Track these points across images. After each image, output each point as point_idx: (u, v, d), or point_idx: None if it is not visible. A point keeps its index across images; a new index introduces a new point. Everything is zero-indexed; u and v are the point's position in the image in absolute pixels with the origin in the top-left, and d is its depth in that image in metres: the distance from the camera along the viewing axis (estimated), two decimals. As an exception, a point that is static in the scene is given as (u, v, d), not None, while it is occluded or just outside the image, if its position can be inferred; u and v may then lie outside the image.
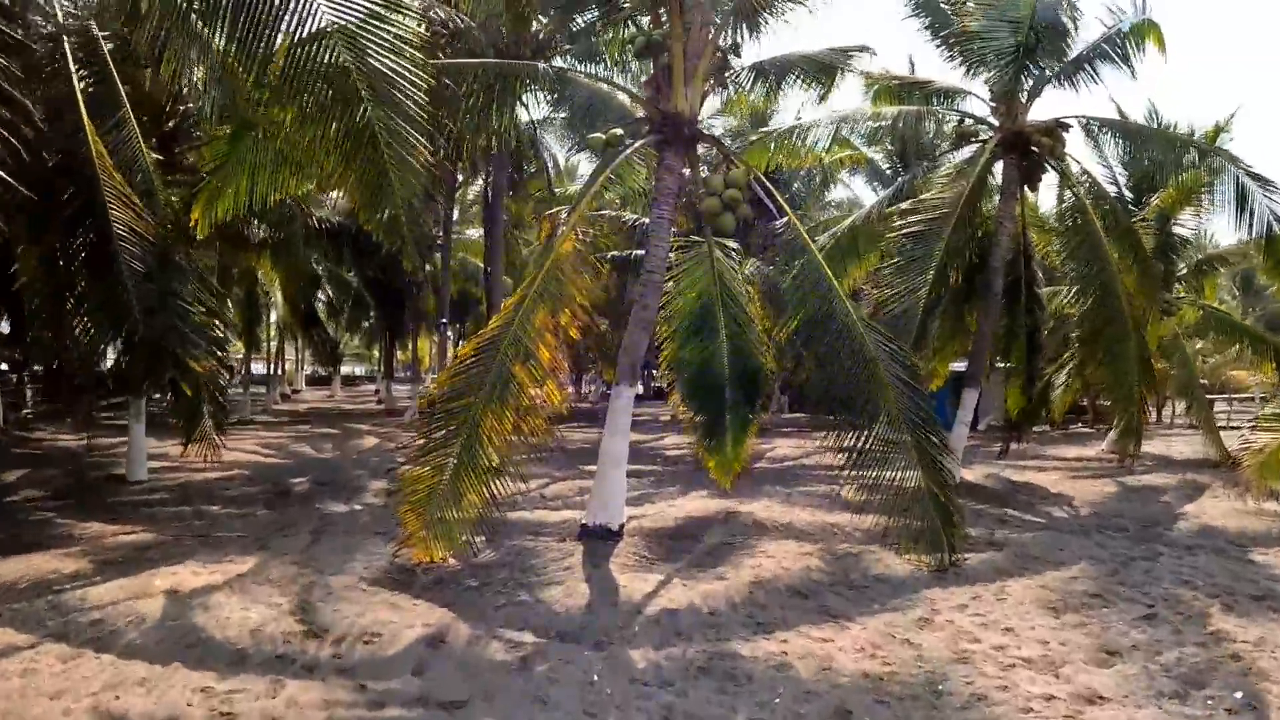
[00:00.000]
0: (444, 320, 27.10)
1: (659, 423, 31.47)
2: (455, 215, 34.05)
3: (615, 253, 22.80)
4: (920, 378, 10.43)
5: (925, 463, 9.75)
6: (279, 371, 48.10)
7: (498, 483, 9.31)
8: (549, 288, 9.64)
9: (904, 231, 15.13)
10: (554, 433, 9.86)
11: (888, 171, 27.90)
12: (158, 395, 12.21)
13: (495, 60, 12.60)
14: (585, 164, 27.64)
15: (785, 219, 10.95)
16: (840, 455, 10.26)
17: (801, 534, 11.79)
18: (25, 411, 27.59)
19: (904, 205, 16.19)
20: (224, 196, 10.64)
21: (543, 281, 9.61)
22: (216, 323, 10.49)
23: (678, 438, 27.60)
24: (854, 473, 10.18)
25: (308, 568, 9.61)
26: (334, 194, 23.96)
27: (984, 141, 16.30)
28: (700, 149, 12.08)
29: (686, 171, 11.40)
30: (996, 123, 16.11)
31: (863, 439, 10.02)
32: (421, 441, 9.34)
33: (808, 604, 8.54)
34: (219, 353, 10.37)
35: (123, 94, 10.87)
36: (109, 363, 12.23)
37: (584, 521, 11.05)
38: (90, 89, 10.40)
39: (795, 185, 27.95)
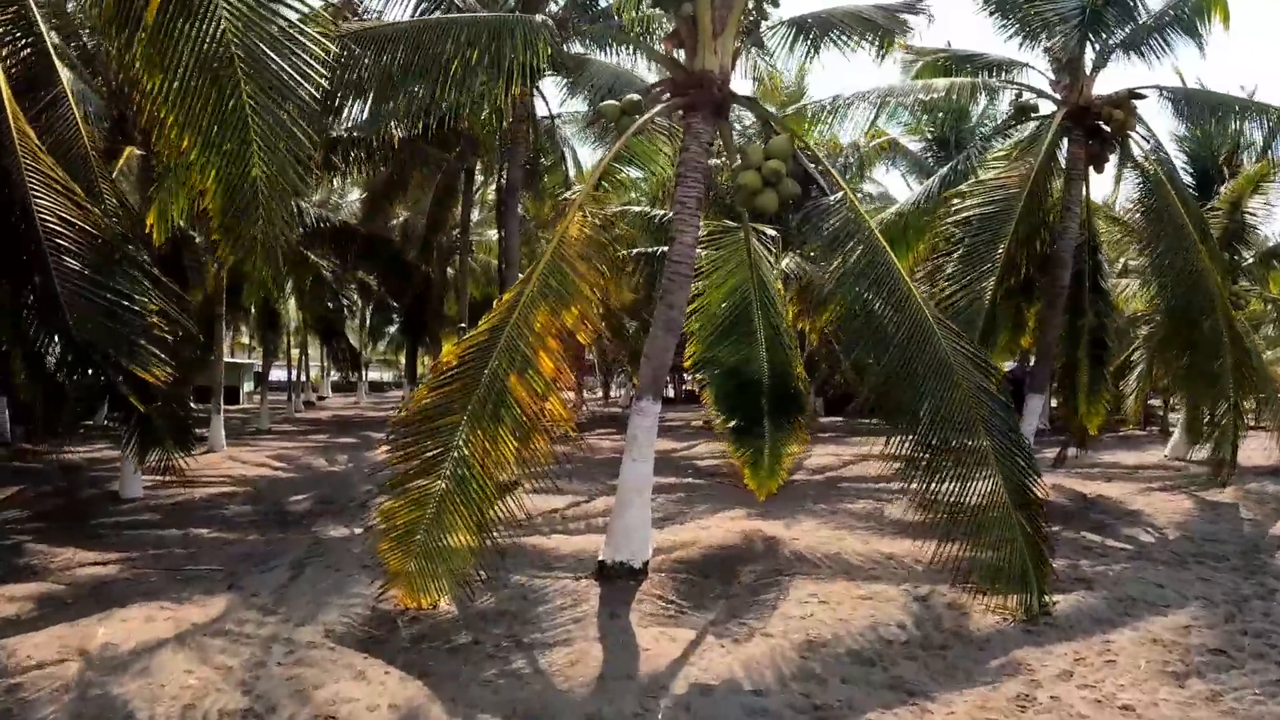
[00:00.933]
0: (464, 325, 25.63)
1: (690, 428, 29.88)
2: (476, 216, 32.67)
3: (642, 249, 21.22)
4: (997, 380, 8.73)
5: (1010, 483, 8.13)
6: (303, 379, 47.05)
7: (494, 513, 7.78)
8: (551, 282, 8.06)
9: (966, 215, 13.42)
10: (555, 455, 8.22)
11: (929, 160, 26.08)
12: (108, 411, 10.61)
13: (480, 14, 10.99)
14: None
15: (839, 194, 9.29)
16: (894, 468, 8.75)
17: (854, 569, 10.10)
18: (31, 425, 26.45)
19: (964, 186, 14.46)
20: (178, 199, 9.40)
21: (544, 274, 8.05)
22: (173, 329, 8.83)
23: (712, 444, 26.12)
24: (915, 491, 8.63)
25: (275, 615, 8.17)
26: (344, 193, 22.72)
27: (1045, 117, 14.59)
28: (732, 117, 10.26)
29: (717, 144, 9.70)
30: (1059, 96, 14.36)
31: (929, 451, 8.43)
32: (399, 467, 7.79)
33: (875, 675, 6.80)
34: (175, 362, 8.80)
35: (59, 71, 9.51)
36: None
37: (602, 558, 9.45)
38: (14, 68, 8.98)
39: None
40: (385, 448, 8.06)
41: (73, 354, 7.93)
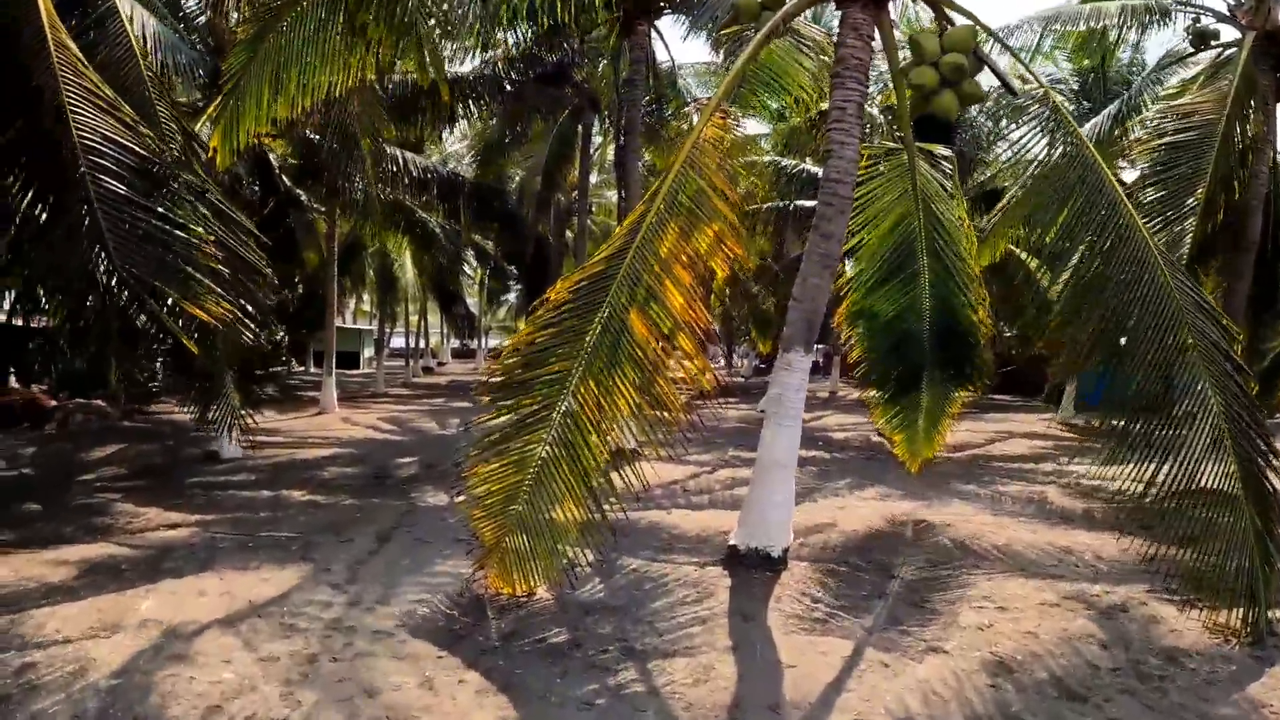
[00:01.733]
0: (581, 286, 24.43)
1: (817, 398, 28.04)
2: (593, 179, 31.35)
3: (772, 204, 19.47)
4: (1237, 346, 6.79)
5: (1244, 468, 6.24)
6: (422, 344, 46.81)
7: (605, 481, 6.28)
8: (682, 197, 6.48)
9: (1159, 144, 11.30)
10: (692, 410, 6.57)
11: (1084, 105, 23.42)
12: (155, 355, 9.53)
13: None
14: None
15: (1039, 91, 7.44)
16: (1064, 445, 6.97)
17: (1031, 565, 8.27)
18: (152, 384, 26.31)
19: (1150, 112, 12.32)
20: (245, 114, 8.28)
21: (673, 187, 6.47)
22: (234, 264, 7.59)
23: (842, 416, 24.31)
24: (1116, 474, 6.73)
25: (344, 594, 6.93)
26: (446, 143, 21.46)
27: (1228, 45, 12.44)
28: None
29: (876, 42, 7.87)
30: (1242, 22, 12.10)
31: (1147, 423, 6.58)
32: (495, 422, 6.38)
33: (1087, 713, 5.08)
34: (242, 301, 7.58)
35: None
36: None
37: (734, 542, 7.90)
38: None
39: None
40: (485, 392, 6.64)
41: (115, 288, 6.73)
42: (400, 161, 16.43)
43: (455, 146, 31.54)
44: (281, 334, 39.68)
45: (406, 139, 18.54)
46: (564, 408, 6.07)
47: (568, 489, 6.15)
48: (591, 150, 25.96)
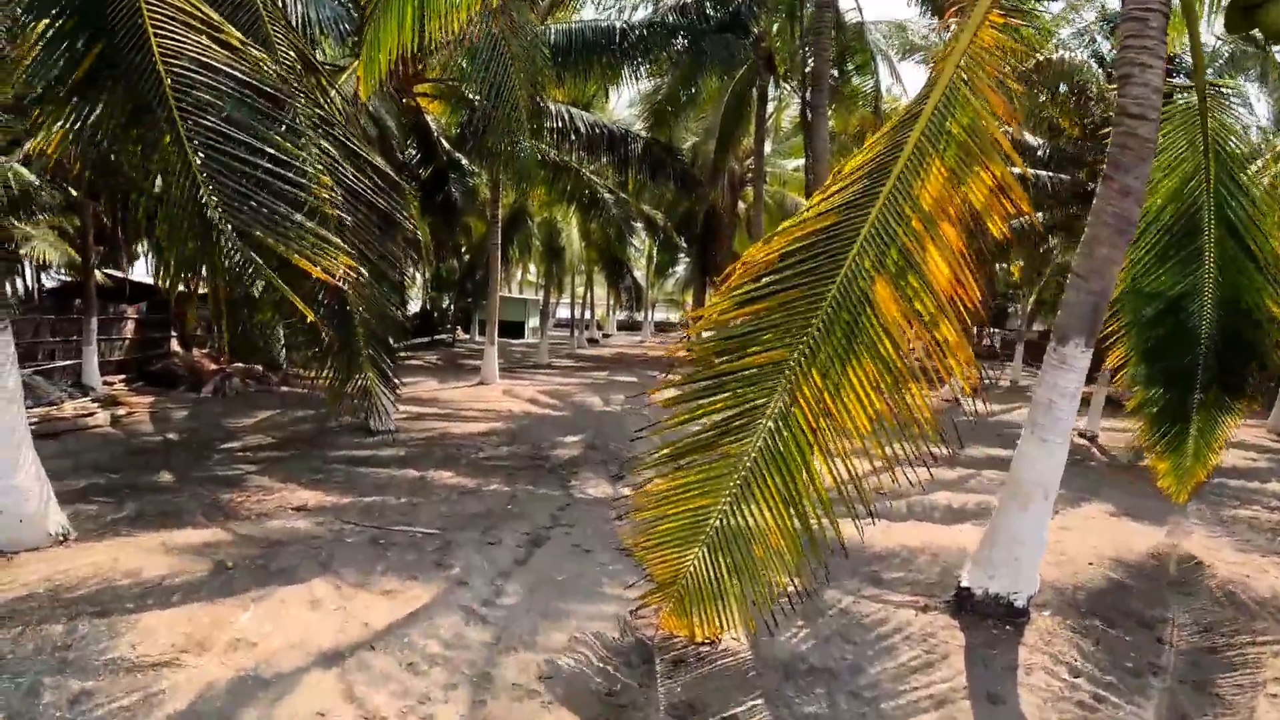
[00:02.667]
0: (757, 257, 22.59)
1: (997, 387, 25.42)
2: (768, 147, 29.44)
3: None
4: None
5: None
6: (587, 315, 45.95)
7: (819, 507, 4.53)
8: (951, 122, 4.63)
9: None
10: (939, 424, 4.59)
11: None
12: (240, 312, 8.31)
13: None
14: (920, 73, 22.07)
15: None
16: None
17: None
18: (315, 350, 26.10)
19: None
20: (386, 35, 7.01)
21: (940, 107, 4.65)
22: (359, 211, 6.20)
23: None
24: None
25: (482, 624, 5.49)
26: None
27: None
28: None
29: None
30: None
31: None
32: (677, 426, 4.78)
33: None
34: (374, 257, 6.26)
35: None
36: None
37: (967, 583, 6.08)
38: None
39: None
40: (660, 392, 5.03)
41: (220, 241, 5.43)
42: (565, 117, 15.01)
43: (623, 114, 30.21)
44: (447, 302, 39.87)
45: (575, 101, 17.22)
46: (775, 412, 4.39)
47: (775, 520, 4.49)
48: (765, 116, 24.11)
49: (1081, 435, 15.34)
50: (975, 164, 4.60)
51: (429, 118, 16.82)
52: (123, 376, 18.01)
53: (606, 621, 5.62)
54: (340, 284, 5.75)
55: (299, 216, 5.41)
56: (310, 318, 5.59)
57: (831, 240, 4.52)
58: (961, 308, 4.45)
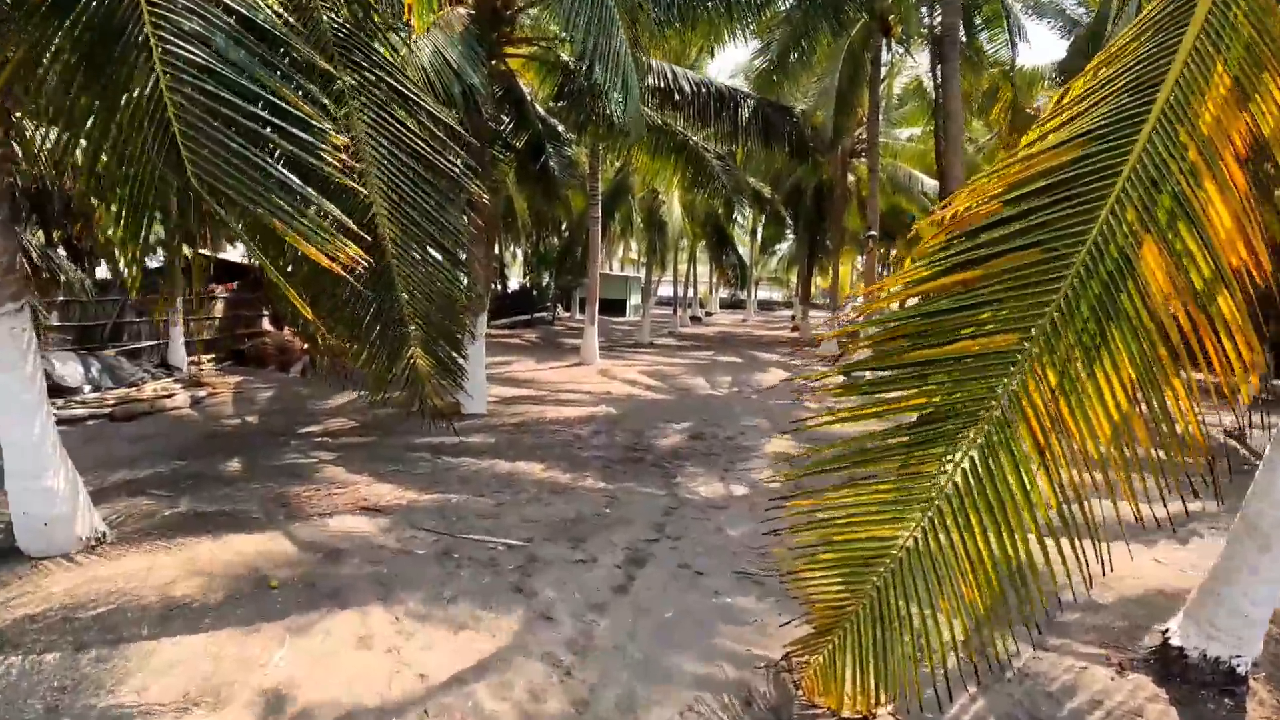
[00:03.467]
0: (873, 232, 20.84)
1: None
2: (881, 115, 27.69)
3: None
4: None
5: None
6: (689, 293, 44.60)
7: (1030, 542, 3.14)
8: (1233, 9, 3.02)
9: None
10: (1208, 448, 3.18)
11: None
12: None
13: None
14: (1053, 37, 20.00)
15: None
16: None
17: None
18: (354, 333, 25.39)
19: None
20: None
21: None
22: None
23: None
24: None
25: (566, 678, 4.28)
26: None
27: None
28: None
29: None
30: None
31: None
32: (840, 424, 3.49)
33: None
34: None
35: None
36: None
37: (1177, 642, 4.56)
38: None
39: None
40: (813, 380, 3.71)
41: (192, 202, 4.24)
42: (669, 75, 13.64)
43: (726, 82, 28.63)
44: (547, 279, 39.02)
45: (677, 63, 15.85)
46: (993, 418, 3.04)
47: (976, 556, 3.16)
48: (880, 79, 22.35)
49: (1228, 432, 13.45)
50: (1264, 71, 3.12)
51: (522, 84, 15.67)
52: (211, 356, 17.47)
53: (726, 678, 4.35)
54: (360, 266, 4.52)
55: (294, 180, 4.20)
56: (308, 313, 4.42)
57: (1075, 183, 3.09)
58: (1246, 276, 3.00)
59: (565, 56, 13.94)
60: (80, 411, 11.52)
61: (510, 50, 13.72)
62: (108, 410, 11.70)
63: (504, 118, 15.37)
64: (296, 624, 4.80)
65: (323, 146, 4.16)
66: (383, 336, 6.61)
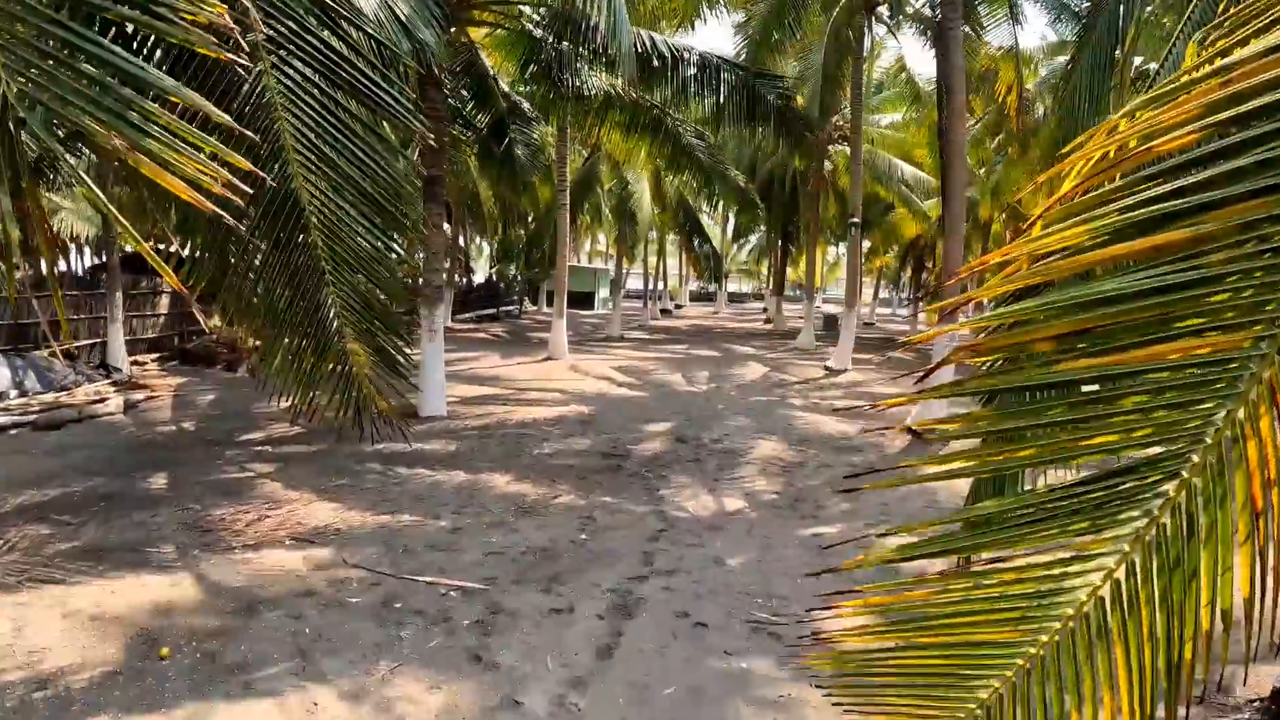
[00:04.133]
0: (855, 219, 19.72)
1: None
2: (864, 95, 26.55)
3: None
4: None
5: None
6: (659, 285, 43.42)
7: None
8: None
9: None
10: None
11: None
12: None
13: None
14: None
15: None
16: None
17: None
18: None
19: None
20: None
21: None
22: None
23: None
24: None
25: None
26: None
27: None
28: None
29: None
30: None
31: None
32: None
33: None
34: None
35: None
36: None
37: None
38: None
39: None
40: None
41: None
42: (646, 41, 12.35)
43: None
44: (514, 271, 37.65)
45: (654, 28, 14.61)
46: (1199, 463, 1.87)
47: (1129, 667, 2.00)
48: (864, 58, 21.22)
49: None
50: None
51: (488, 61, 14.38)
52: (155, 356, 16.10)
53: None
54: (241, 200, 3.25)
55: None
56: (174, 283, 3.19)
57: None
58: None
59: (532, 26, 12.72)
60: (1, 420, 10.19)
61: (475, 14, 12.49)
62: (31, 418, 10.38)
63: (465, 94, 14.12)
64: (185, 715, 3.60)
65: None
66: (306, 322, 5.38)
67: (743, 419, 12.22)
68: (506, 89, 15.13)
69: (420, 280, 11.01)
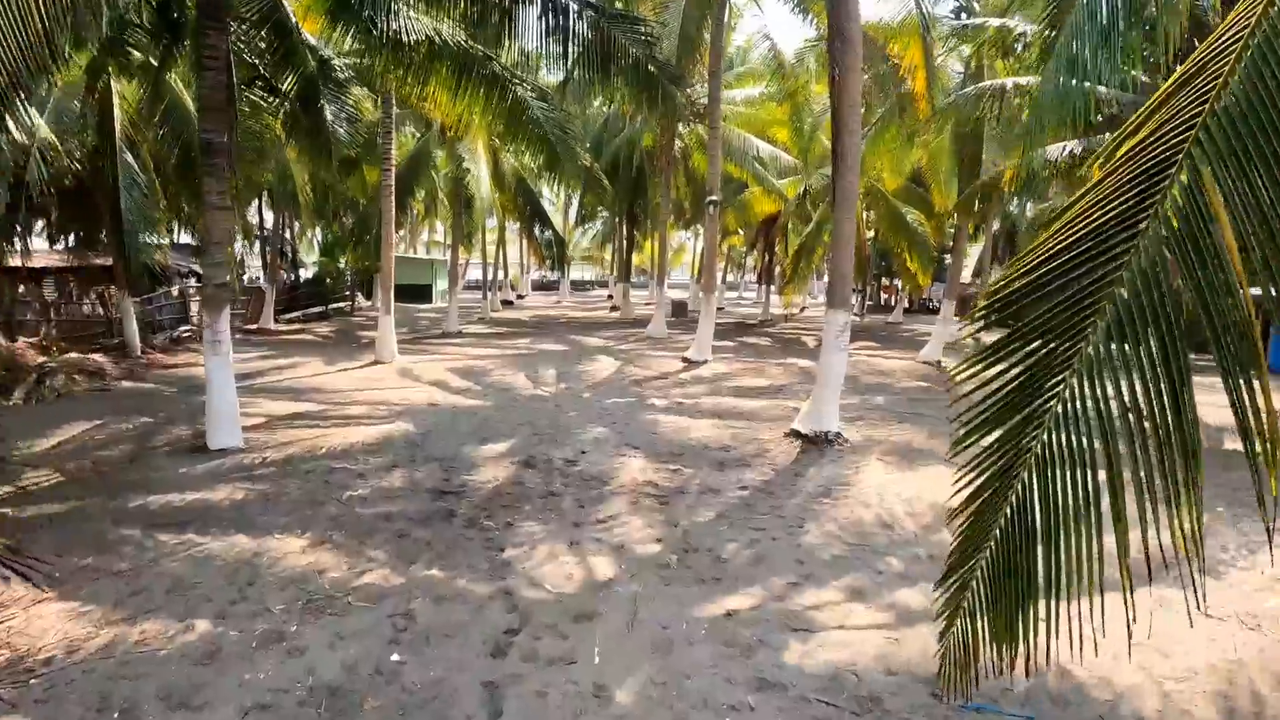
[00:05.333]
0: (714, 197, 18.13)
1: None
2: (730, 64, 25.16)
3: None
4: None
5: None
6: (500, 275, 40.96)
7: None
8: None
9: None
10: None
11: None
12: None
13: None
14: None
15: None
16: None
17: None
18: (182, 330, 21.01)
19: None
20: None
21: None
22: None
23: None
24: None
25: None
26: None
27: None
28: None
29: None
30: None
31: None
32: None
33: None
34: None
35: None
36: None
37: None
38: None
39: None
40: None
41: None
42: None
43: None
44: (344, 264, 34.40)
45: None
46: None
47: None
48: (724, 22, 19.60)
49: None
50: None
51: (292, 9, 11.79)
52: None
53: None
54: None
55: None
56: None
57: None
58: None
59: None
60: None
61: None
62: None
63: (265, 49, 11.64)
64: None
65: None
66: None
67: (600, 428, 10.42)
68: (314, 41, 12.58)
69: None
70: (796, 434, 9.90)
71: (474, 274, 48.65)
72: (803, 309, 40.18)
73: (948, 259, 32.90)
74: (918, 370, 17.55)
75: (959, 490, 3.05)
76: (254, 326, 23.09)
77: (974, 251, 33.57)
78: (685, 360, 17.56)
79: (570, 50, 10.15)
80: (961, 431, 2.89)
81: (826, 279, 11.27)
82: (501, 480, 7.89)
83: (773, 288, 35.18)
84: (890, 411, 12.20)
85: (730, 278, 58.27)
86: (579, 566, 5.64)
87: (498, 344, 21.23)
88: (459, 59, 10.60)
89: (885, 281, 44.02)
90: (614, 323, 29.49)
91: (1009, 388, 2.80)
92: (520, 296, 48.18)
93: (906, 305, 38.87)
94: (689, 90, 22.63)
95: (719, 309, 29.24)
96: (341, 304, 33.73)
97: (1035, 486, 2.72)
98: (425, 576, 5.39)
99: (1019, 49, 13.57)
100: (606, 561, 5.73)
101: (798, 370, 16.74)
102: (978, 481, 2.92)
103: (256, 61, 11.87)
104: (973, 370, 2.84)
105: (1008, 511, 2.86)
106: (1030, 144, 10.99)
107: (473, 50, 10.65)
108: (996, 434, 2.86)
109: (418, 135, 24.69)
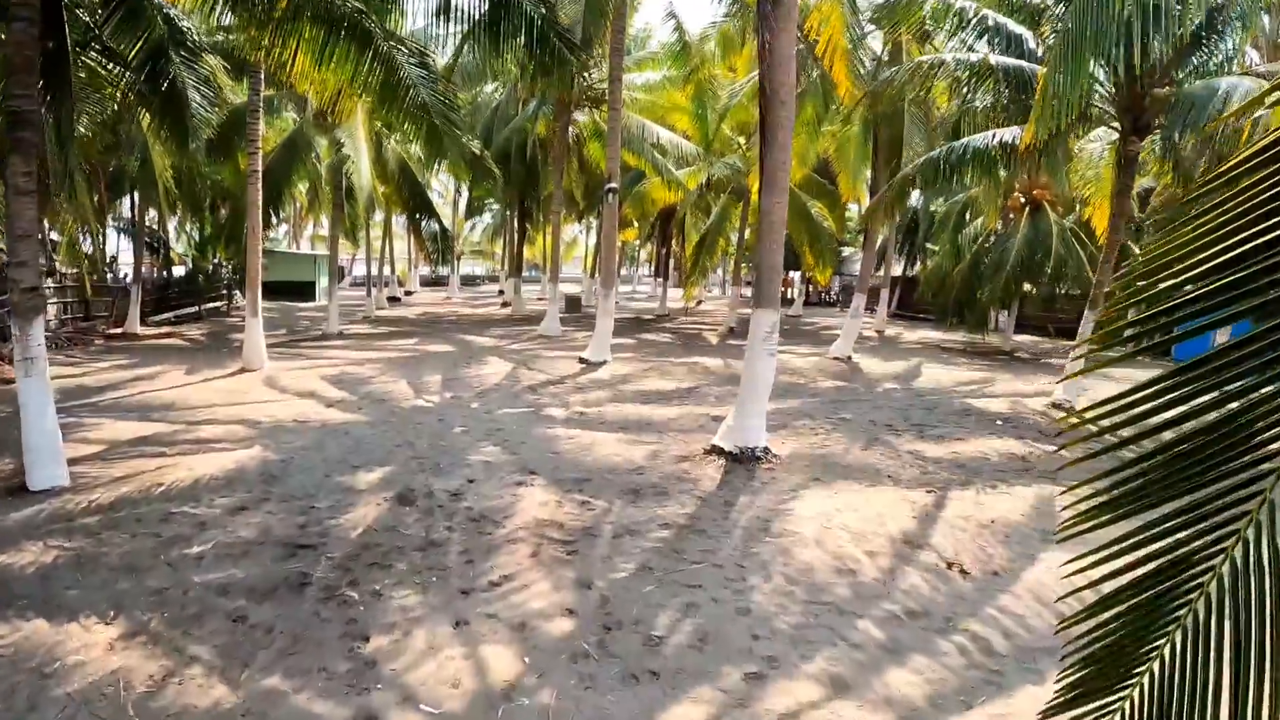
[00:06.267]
0: (613, 185, 16.87)
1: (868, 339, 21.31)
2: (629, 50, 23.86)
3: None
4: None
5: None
6: (387, 271, 38.75)
7: None
8: None
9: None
10: None
11: None
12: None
13: None
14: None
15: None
16: None
17: None
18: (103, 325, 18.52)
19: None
20: None
21: None
22: None
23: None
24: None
25: None
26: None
27: None
28: None
29: None
30: None
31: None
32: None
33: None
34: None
35: None
36: None
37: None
38: None
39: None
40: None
41: None
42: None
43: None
44: (219, 259, 31.83)
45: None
46: None
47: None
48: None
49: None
50: None
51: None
52: None
53: None
54: None
55: None
56: None
57: None
58: None
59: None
60: None
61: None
62: None
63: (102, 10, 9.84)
64: None
65: None
66: None
67: (490, 447, 9.06)
68: (165, 4, 10.73)
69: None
70: (719, 450, 8.72)
71: (360, 269, 46.25)
72: (699, 303, 39.33)
73: (845, 251, 32.35)
74: (831, 368, 16.67)
75: (1082, 567, 1.87)
76: (118, 331, 20.70)
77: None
78: (583, 361, 16.26)
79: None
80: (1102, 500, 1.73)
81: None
82: (370, 524, 6.47)
83: (669, 281, 34.14)
84: (814, 418, 11.16)
85: (624, 271, 57.19)
86: (468, 663, 4.28)
87: (380, 346, 19.50)
88: (324, 16, 9.00)
89: (784, 275, 43.58)
90: (505, 320, 27.94)
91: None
92: (409, 293, 46.01)
93: (804, 299, 38.37)
94: (587, 75, 21.37)
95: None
96: (217, 303, 31.20)
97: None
98: (261, 690, 3.97)
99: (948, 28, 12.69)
100: (504, 653, 4.40)
101: (704, 370, 15.65)
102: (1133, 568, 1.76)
103: (90, 21, 10.05)
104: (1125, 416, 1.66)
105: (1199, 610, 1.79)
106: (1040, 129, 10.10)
107: (341, 5, 9.06)
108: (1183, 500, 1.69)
109: (299, 121, 22.74)
